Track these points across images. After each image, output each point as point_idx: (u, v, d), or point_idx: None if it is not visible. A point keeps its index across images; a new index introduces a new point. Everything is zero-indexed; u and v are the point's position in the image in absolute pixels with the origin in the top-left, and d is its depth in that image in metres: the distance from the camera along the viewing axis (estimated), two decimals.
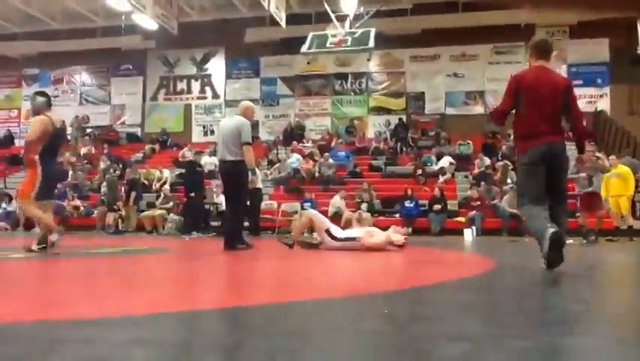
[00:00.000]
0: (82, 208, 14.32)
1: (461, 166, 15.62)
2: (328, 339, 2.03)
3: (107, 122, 20.34)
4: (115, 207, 13.22)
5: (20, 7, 18.15)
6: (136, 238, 10.63)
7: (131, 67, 20.58)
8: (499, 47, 18.03)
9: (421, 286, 3.58)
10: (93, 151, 18.11)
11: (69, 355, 1.69)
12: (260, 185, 12.51)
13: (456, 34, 17.43)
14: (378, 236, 6.62)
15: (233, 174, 6.54)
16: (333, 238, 6.70)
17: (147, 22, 17.06)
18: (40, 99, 6.24)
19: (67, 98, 20.91)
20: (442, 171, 15.09)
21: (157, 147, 18.52)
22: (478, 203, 13.09)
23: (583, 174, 9.87)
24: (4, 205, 13.95)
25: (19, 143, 19.59)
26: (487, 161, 14.96)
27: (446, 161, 15.57)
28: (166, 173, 15.39)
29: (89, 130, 19.59)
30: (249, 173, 6.61)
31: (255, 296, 3.11)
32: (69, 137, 19.23)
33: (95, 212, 13.87)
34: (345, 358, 1.77)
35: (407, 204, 13.19)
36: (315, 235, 7.02)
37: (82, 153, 17.95)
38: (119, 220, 13.23)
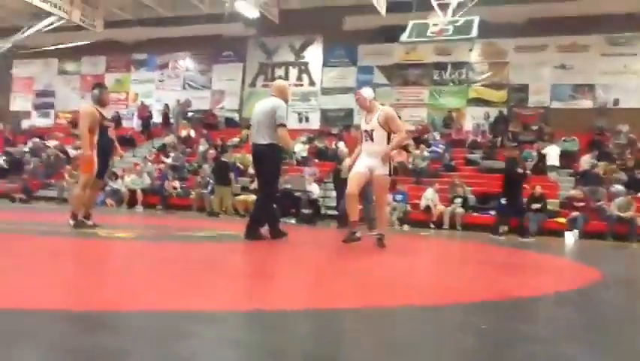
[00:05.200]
0: (179, 189, 14.92)
1: (565, 163, 14.79)
2: (425, 354, 1.92)
3: (206, 106, 21.01)
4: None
5: None
6: (230, 222, 10.88)
7: (232, 54, 21.09)
8: (614, 37, 16.79)
9: (518, 298, 3.36)
10: (193, 134, 18.78)
11: (164, 349, 1.73)
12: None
13: (565, 23, 16.43)
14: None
15: (265, 159, 6.17)
16: None
17: (249, 10, 17.42)
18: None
19: (171, 83, 21.82)
20: (552, 167, 14.41)
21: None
22: (582, 204, 12.33)
23: None
24: (110, 183, 14.75)
25: (126, 124, 20.70)
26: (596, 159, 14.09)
27: (554, 151, 14.80)
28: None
29: (190, 114, 20.34)
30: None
31: (344, 298, 3.03)
32: (171, 120, 20.14)
33: (193, 193, 14.39)
34: None
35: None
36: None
37: (182, 136, 18.66)
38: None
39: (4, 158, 17.94)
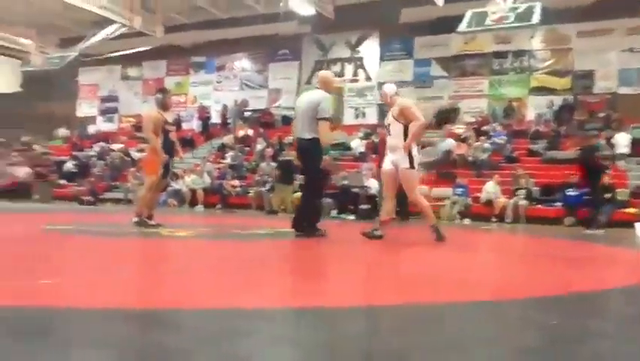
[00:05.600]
0: (239, 188, 15.13)
1: (634, 151, 14.08)
2: (487, 354, 1.83)
3: (263, 105, 21.20)
4: None
5: None
6: (289, 220, 10.91)
7: (287, 52, 21.20)
8: None
9: (585, 292, 3.20)
10: (251, 133, 19.00)
11: (222, 347, 1.73)
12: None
13: (632, 4, 15.61)
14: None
15: (309, 154, 6.04)
16: None
17: (304, 7, 17.46)
18: None
19: (228, 84, 22.16)
20: (620, 155, 13.75)
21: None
22: None
23: None
24: (172, 183, 15.09)
25: (186, 126, 21.15)
26: None
27: (624, 139, 14.13)
28: None
29: (247, 114, 20.60)
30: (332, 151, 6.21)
31: (400, 294, 2.96)
32: (229, 120, 20.44)
33: (251, 192, 14.55)
34: None
35: (569, 192, 12.16)
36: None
37: (240, 135, 18.91)
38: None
39: (72, 162, 18.68)
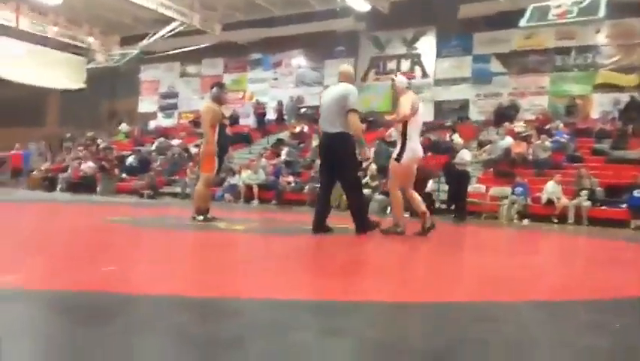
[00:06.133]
0: (293, 184, 15.21)
1: None
2: (551, 355, 1.75)
3: (319, 102, 21.19)
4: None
5: None
6: (342, 216, 10.90)
7: (343, 49, 21.13)
8: None
9: None
10: (306, 130, 19.07)
11: (278, 338, 1.72)
12: (468, 167, 12.12)
13: None
14: None
15: (339, 149, 5.83)
16: None
17: (360, 4, 17.40)
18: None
19: (285, 81, 22.31)
20: None
21: (364, 126, 18.84)
22: None
23: None
24: (228, 179, 15.34)
25: (243, 122, 21.45)
26: None
27: None
28: (372, 152, 15.60)
29: (302, 110, 20.68)
30: (359, 145, 6.00)
31: (457, 292, 2.89)
32: (285, 117, 20.59)
33: (307, 188, 14.60)
34: None
35: (637, 193, 11.65)
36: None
37: (295, 132, 19.01)
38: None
39: (134, 157, 19.23)
